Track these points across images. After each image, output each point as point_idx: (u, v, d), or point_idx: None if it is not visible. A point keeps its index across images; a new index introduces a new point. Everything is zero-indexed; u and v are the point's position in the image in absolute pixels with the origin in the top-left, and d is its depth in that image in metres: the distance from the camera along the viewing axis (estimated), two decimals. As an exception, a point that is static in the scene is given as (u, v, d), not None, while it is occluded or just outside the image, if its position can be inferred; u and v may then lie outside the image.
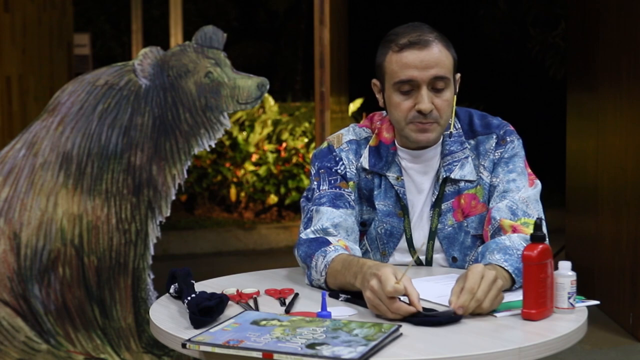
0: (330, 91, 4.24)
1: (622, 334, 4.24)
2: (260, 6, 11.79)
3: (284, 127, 7.67)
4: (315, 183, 2.09)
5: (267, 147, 7.61)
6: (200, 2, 10.63)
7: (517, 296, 1.69)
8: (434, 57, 1.93)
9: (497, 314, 1.63)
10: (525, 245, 1.82)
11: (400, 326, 1.50)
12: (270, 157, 7.53)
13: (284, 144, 7.63)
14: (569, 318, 1.62)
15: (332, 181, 2.07)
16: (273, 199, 7.61)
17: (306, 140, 7.68)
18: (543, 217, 1.95)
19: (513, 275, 1.79)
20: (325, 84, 4.13)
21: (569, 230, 5.37)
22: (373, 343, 1.41)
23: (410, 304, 1.59)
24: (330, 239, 1.94)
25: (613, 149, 4.49)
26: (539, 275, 1.60)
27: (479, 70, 10.16)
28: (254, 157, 7.56)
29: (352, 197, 2.06)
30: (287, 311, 1.69)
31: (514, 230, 1.93)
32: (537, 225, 1.66)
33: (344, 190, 2.06)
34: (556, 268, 1.65)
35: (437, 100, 1.96)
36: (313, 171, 2.12)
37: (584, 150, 5.05)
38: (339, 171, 2.08)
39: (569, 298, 1.64)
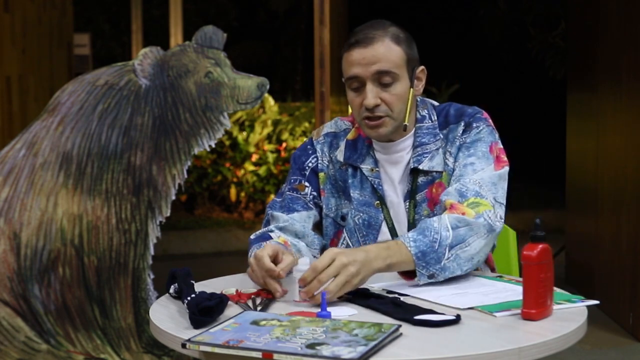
0: (330, 91, 4.23)
1: (622, 334, 4.23)
2: (260, 6, 11.80)
3: (284, 127, 7.67)
4: (286, 183, 2.17)
5: (267, 147, 7.61)
6: (200, 2, 10.63)
7: (516, 296, 1.69)
8: (376, 53, 1.97)
9: (497, 314, 1.63)
10: (456, 226, 1.82)
11: (400, 326, 1.50)
12: (270, 157, 7.53)
13: (284, 144, 7.63)
14: (569, 318, 1.62)
15: (292, 181, 2.14)
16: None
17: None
18: (503, 202, 1.94)
19: (414, 258, 1.79)
20: (325, 84, 4.12)
21: (569, 230, 5.37)
22: (373, 343, 1.41)
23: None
24: (272, 234, 2.00)
25: (613, 149, 4.49)
26: (539, 275, 1.59)
27: (479, 70, 10.16)
28: (254, 157, 7.56)
29: (308, 199, 2.11)
30: (261, 310, 1.70)
31: (452, 207, 1.89)
32: (537, 225, 1.63)
33: (299, 193, 2.11)
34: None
35: (385, 94, 1.99)
36: (290, 170, 2.19)
37: (584, 150, 5.05)
38: (310, 165, 2.13)
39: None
